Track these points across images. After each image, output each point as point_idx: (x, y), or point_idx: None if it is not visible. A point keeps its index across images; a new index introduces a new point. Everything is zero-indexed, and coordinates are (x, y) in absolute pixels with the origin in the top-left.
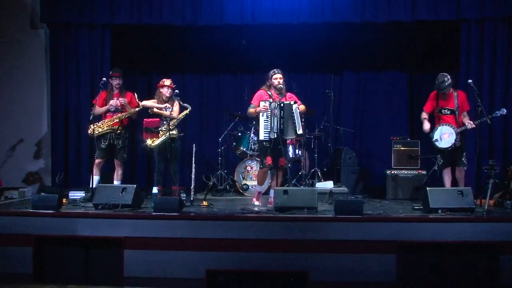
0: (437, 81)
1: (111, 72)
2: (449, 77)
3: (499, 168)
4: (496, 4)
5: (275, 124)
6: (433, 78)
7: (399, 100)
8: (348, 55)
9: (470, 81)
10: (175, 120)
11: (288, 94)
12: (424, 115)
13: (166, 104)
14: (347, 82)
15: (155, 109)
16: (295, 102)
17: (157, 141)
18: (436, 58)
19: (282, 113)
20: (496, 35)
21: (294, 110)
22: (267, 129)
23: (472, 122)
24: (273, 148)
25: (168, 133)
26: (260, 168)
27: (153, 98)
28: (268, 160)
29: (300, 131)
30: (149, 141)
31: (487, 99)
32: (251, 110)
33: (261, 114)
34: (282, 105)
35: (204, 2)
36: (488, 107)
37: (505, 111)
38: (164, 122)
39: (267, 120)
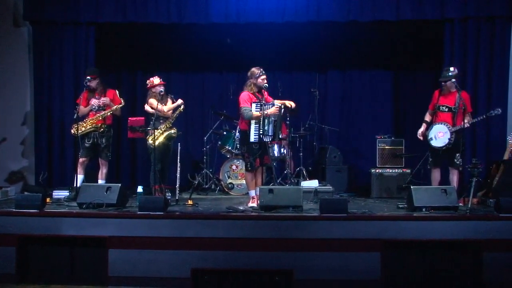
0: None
1: (86, 74)
2: (455, 70)
3: (482, 166)
4: (480, 3)
5: (270, 127)
6: (417, 77)
7: (384, 99)
8: (333, 54)
9: (453, 80)
10: (171, 119)
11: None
12: (427, 116)
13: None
14: (332, 81)
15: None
16: (285, 106)
17: (157, 141)
18: (420, 57)
19: (275, 117)
20: (480, 34)
21: (282, 113)
22: (257, 131)
23: (467, 122)
24: (261, 149)
25: (168, 132)
26: (248, 170)
27: (151, 98)
28: (257, 163)
29: (281, 135)
30: (150, 141)
31: (470, 98)
32: (255, 113)
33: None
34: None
35: (189, 0)
36: (471, 105)
37: (500, 110)
38: (161, 121)
39: (258, 122)
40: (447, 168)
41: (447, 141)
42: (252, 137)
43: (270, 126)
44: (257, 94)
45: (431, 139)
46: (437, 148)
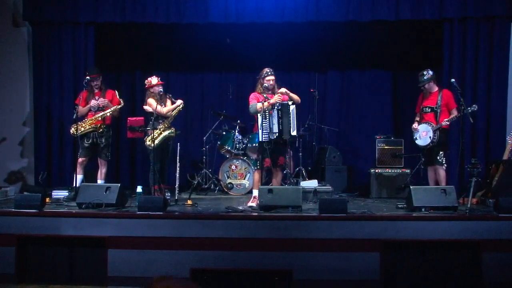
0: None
1: (87, 74)
2: (430, 72)
3: (481, 166)
4: (479, 3)
5: (275, 124)
6: (416, 76)
7: (383, 99)
8: (333, 54)
9: (453, 80)
10: (170, 118)
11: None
12: (416, 117)
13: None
14: (332, 80)
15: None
16: (293, 103)
17: (156, 141)
18: (419, 57)
19: (280, 114)
20: (479, 34)
21: (291, 111)
22: (266, 130)
23: (447, 120)
24: (272, 148)
25: (167, 132)
26: (257, 168)
27: (150, 98)
28: (267, 162)
29: (294, 132)
30: (148, 141)
31: (469, 98)
32: (259, 105)
33: (259, 115)
34: (280, 106)
35: (188, 0)
36: (470, 105)
37: (476, 107)
38: (160, 121)
39: (265, 121)
40: None
41: (429, 140)
42: (261, 136)
43: (275, 122)
44: (267, 94)
45: (416, 138)
46: (422, 147)
